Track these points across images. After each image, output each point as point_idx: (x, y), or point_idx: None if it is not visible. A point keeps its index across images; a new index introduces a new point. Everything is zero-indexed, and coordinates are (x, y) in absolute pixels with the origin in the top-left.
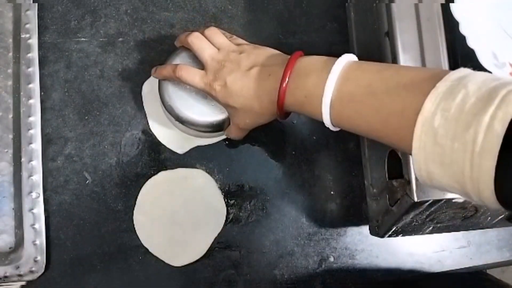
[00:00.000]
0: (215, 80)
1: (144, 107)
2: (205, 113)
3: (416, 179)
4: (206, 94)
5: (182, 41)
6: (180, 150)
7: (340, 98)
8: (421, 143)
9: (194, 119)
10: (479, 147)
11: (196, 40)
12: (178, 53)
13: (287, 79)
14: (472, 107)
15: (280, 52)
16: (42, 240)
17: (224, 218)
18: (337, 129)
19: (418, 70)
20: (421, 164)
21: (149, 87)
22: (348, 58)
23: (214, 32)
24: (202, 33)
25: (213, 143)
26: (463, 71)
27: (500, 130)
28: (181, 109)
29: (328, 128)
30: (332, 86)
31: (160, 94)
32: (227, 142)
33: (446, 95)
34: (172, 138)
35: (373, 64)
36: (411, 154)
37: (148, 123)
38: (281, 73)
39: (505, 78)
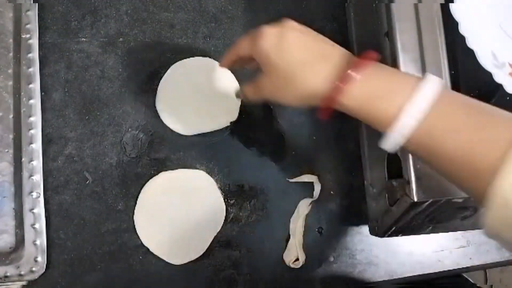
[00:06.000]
0: (272, 28)
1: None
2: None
3: (416, 178)
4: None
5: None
6: (185, 132)
7: (423, 129)
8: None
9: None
10: None
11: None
12: None
13: (359, 70)
14: None
15: None
16: (42, 240)
17: (224, 218)
18: (395, 148)
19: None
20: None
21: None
22: (437, 85)
23: None
24: None
25: (213, 143)
26: None
27: None
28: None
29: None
30: (417, 116)
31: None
32: (227, 141)
33: None
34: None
35: (460, 99)
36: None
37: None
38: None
39: None
